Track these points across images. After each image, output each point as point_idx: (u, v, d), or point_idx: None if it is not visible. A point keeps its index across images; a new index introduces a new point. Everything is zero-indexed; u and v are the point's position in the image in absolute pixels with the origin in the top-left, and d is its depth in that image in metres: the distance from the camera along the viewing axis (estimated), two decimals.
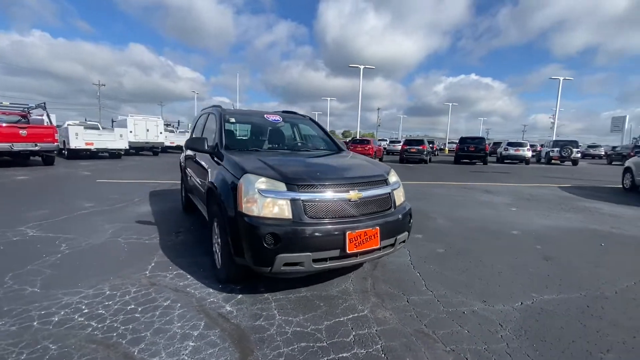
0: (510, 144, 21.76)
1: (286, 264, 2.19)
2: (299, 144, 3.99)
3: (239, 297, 2.46)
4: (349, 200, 2.38)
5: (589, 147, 34.48)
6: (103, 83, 48.39)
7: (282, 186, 2.29)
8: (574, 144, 22.00)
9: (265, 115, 3.91)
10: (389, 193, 2.68)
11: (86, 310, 2.21)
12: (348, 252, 2.26)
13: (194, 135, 4.84)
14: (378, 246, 2.41)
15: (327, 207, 2.31)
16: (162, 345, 1.88)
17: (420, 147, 19.40)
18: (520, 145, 21.39)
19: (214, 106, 4.29)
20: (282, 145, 3.71)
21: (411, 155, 19.20)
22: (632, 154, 22.74)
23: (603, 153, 30.27)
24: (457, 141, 22.00)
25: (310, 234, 2.18)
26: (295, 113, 4.46)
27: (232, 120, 3.58)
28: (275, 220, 2.20)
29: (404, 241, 2.73)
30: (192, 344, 1.90)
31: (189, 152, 4.42)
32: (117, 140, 14.96)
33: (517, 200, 7.18)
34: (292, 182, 2.31)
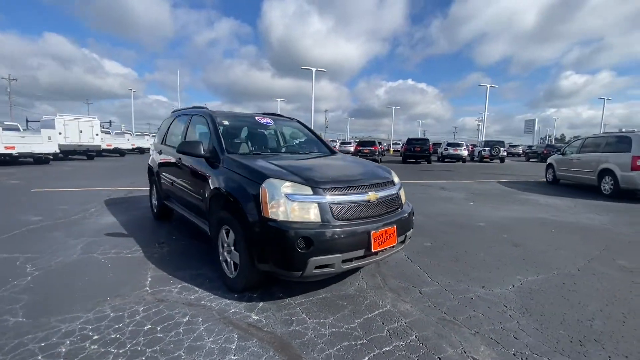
0: (449, 144, 23.89)
1: (318, 267, 2.20)
2: (297, 147, 3.97)
3: (261, 305, 2.40)
4: (369, 202, 2.48)
5: (510, 146, 39.38)
6: (14, 77, 41.76)
7: (308, 190, 2.30)
8: (501, 143, 24.99)
9: (256, 118, 3.82)
10: (397, 193, 2.83)
11: (96, 337, 1.96)
12: (373, 250, 2.36)
13: (163, 139, 4.52)
14: (395, 243, 2.55)
15: (351, 208, 2.37)
16: None
17: (372, 148, 20.52)
18: (458, 145, 23.61)
19: (196, 107, 4.06)
20: (280, 148, 3.66)
21: (364, 155, 20.02)
22: (546, 152, 26.64)
23: (521, 151, 34.80)
24: (402, 142, 23.61)
25: (340, 236, 2.22)
26: (281, 115, 4.42)
27: (226, 122, 3.44)
28: (305, 224, 2.20)
29: (410, 237, 2.90)
30: (234, 357, 1.82)
31: (168, 157, 4.12)
32: (44, 143, 13.08)
33: (470, 195, 7.98)
34: (317, 186, 2.33)
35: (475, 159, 25.96)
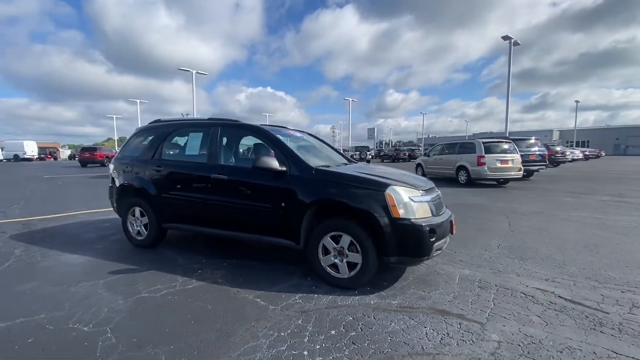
0: None
1: (436, 250, 2.84)
2: (335, 158, 4.21)
3: (382, 292, 2.83)
4: (440, 198, 3.28)
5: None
6: None
7: (419, 192, 2.90)
8: (367, 148, 30.00)
9: (289, 131, 3.96)
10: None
11: None
12: (453, 233, 3.17)
13: (154, 154, 3.98)
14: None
15: (436, 204, 3.11)
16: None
17: None
18: None
19: (213, 119, 3.84)
20: (327, 160, 3.84)
21: None
22: (394, 154, 33.45)
23: (374, 154, 42.51)
24: None
25: (444, 225, 2.94)
26: (286, 127, 4.60)
27: (280, 136, 3.49)
28: (427, 219, 2.80)
29: None
30: (454, 327, 2.29)
31: (184, 172, 3.70)
32: None
33: None
34: (421, 189, 2.96)
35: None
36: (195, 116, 20.25)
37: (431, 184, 3.37)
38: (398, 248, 2.73)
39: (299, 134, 4.08)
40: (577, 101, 49.04)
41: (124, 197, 4.21)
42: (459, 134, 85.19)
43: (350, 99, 36.78)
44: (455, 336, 2.18)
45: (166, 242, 4.29)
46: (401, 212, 2.73)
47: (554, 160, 21.08)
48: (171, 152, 4.09)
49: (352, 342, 2.11)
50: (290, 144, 3.60)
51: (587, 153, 35.27)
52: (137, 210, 4.05)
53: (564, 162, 23.55)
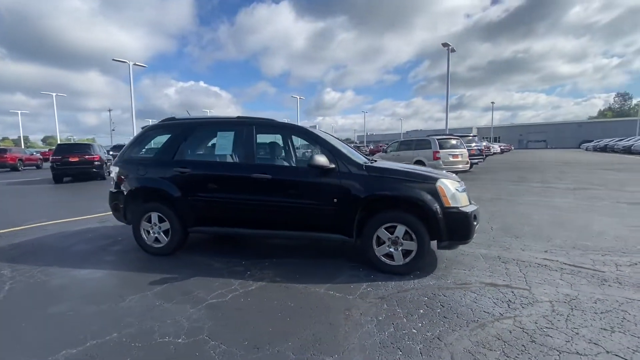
0: None
1: (474, 232, 3.27)
2: (357, 154, 4.37)
3: (435, 273, 3.18)
4: None
5: None
6: None
7: (459, 184, 3.29)
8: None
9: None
10: None
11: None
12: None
13: (174, 154, 3.76)
14: None
15: (468, 195, 3.56)
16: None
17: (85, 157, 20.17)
18: None
19: (241, 117, 3.77)
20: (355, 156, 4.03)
21: (73, 165, 19.30)
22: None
23: None
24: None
25: (479, 211, 3.39)
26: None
27: (320, 134, 3.59)
28: (468, 206, 3.21)
29: None
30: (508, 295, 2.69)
31: (220, 173, 3.57)
32: None
33: None
34: (458, 181, 3.36)
35: None
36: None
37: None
38: (449, 233, 3.09)
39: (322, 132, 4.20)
40: (492, 102, 57.12)
41: (136, 203, 3.85)
42: (391, 131, 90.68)
43: (298, 97, 37.11)
44: (517, 301, 2.61)
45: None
46: (451, 202, 3.10)
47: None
48: (197, 152, 3.88)
49: (444, 316, 2.40)
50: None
51: (502, 147, 40.97)
52: (155, 215, 3.75)
53: (488, 155, 27.13)
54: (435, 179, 3.16)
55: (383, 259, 3.20)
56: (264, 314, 2.49)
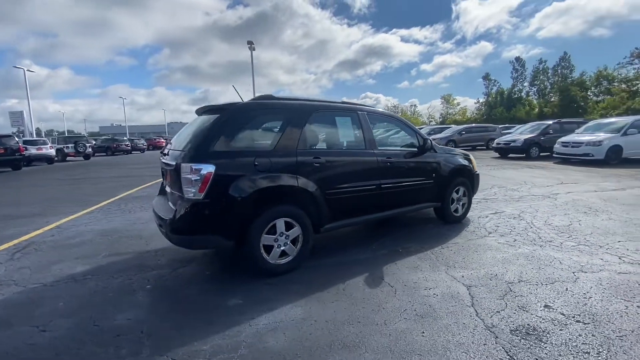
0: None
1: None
2: None
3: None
4: None
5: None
6: None
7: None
8: (83, 137, 22.96)
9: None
10: None
11: None
12: None
13: (297, 144, 3.14)
14: None
15: None
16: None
17: None
18: (44, 143, 18.65)
19: (346, 102, 3.73)
20: None
21: None
22: (115, 146, 27.71)
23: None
24: None
25: None
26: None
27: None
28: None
29: None
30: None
31: (351, 162, 3.42)
32: None
33: None
34: None
35: (57, 158, 21.33)
36: None
37: None
38: (474, 188, 4.82)
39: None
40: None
41: (256, 211, 2.77)
42: (130, 123, 71.96)
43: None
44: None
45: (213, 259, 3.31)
46: (476, 167, 4.83)
47: None
48: (320, 140, 3.28)
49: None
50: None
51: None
52: (281, 222, 2.91)
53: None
54: (467, 154, 4.76)
55: (454, 213, 4.46)
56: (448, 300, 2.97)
